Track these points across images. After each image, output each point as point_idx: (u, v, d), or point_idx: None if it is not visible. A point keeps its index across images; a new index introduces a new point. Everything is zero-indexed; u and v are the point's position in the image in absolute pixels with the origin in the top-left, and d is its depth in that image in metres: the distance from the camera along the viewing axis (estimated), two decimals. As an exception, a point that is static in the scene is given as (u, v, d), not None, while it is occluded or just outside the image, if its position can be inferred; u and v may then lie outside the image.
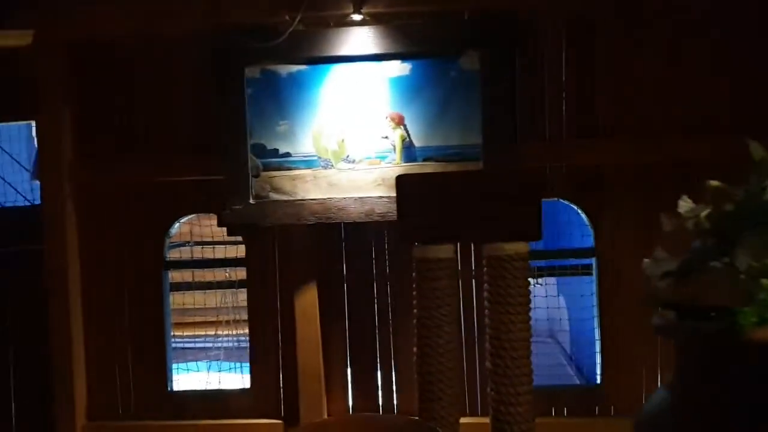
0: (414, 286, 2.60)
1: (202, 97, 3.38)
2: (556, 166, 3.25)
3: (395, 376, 3.40)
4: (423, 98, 3.22)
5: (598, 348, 3.33)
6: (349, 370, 3.43)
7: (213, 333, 6.07)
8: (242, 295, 8.31)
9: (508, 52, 3.17)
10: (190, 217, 3.58)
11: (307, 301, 3.32)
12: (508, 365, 2.43)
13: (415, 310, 2.60)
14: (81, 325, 3.46)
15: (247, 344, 3.55)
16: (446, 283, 2.53)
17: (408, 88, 3.23)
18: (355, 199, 3.24)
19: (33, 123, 3.57)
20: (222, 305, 6.58)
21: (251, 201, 3.27)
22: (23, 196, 5.68)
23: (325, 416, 3.31)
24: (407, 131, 3.23)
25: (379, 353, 3.41)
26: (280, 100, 3.28)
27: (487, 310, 2.53)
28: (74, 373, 3.40)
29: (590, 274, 3.54)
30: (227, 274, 7.18)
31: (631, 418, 1.31)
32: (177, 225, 3.57)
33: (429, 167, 3.20)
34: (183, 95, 3.45)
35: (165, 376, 3.51)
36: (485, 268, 2.54)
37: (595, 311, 3.33)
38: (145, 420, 3.47)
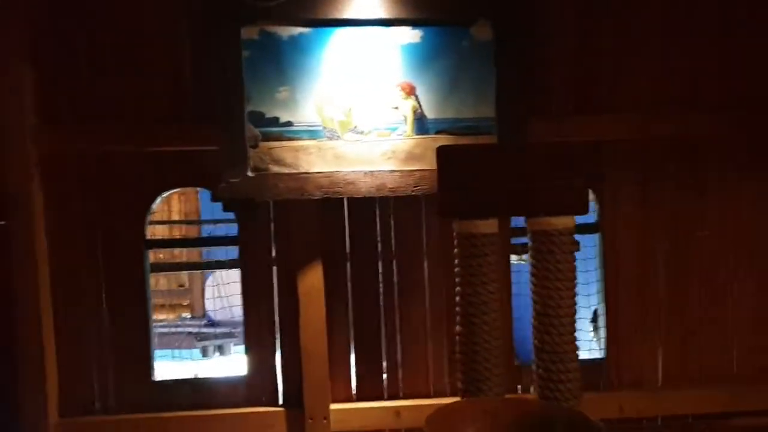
0: (456, 262, 2.47)
1: (193, 60, 3.07)
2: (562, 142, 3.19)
3: (401, 358, 3.27)
4: (435, 68, 3.05)
5: (602, 324, 3.34)
6: (352, 353, 3.27)
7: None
8: (182, 278, 8.07)
9: (521, 23, 3.06)
10: (174, 191, 3.25)
11: (312, 281, 3.11)
12: (556, 342, 2.37)
13: (457, 288, 2.48)
14: (51, 311, 3.09)
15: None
16: (492, 259, 2.42)
17: (419, 57, 3.05)
18: (365, 172, 3.05)
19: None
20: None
21: (249, 174, 3.01)
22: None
23: (330, 401, 3.14)
24: (419, 102, 3.07)
25: (385, 335, 3.27)
26: (281, 64, 3.02)
27: (533, 286, 2.45)
28: (45, 364, 3.04)
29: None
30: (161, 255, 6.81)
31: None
32: (158, 200, 3.24)
33: (442, 140, 3.05)
34: (166, 56, 3.11)
35: (148, 365, 3.21)
36: (530, 243, 2.45)
37: (600, 287, 3.33)
38: (127, 414, 3.16)
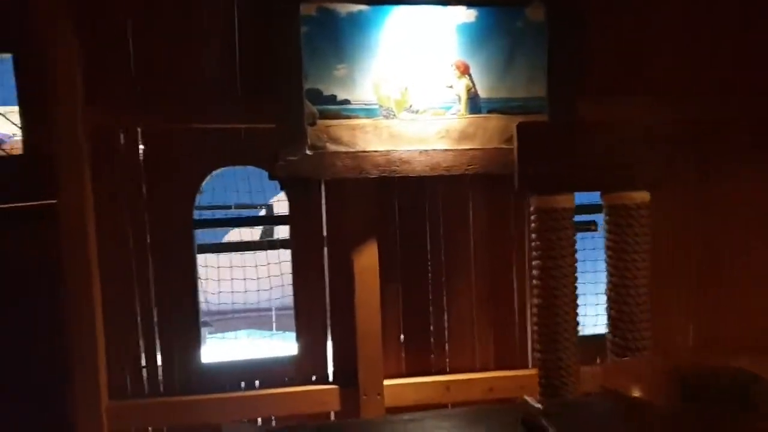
0: (533, 237, 2.54)
1: (249, 35, 3.04)
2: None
3: (447, 335, 3.33)
4: (489, 48, 3.11)
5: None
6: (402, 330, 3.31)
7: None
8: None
9: (573, 6, 3.14)
10: (224, 169, 3.21)
11: (368, 259, 3.13)
12: (633, 312, 2.46)
13: (535, 262, 2.55)
14: (99, 292, 3.01)
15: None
16: (570, 233, 2.50)
17: (474, 37, 3.10)
18: (420, 151, 3.08)
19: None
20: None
21: (308, 152, 3.00)
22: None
23: (383, 378, 3.17)
24: (473, 81, 3.12)
25: (432, 312, 3.32)
26: (339, 41, 3.02)
27: (609, 259, 2.54)
28: (96, 345, 2.97)
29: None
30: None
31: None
32: (208, 178, 3.19)
33: (494, 119, 3.12)
34: (221, 31, 3.07)
35: (196, 347, 3.17)
36: (607, 217, 2.54)
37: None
38: (177, 396, 3.12)
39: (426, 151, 3.08)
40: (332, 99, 3.03)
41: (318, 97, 3.02)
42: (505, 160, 3.09)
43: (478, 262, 3.33)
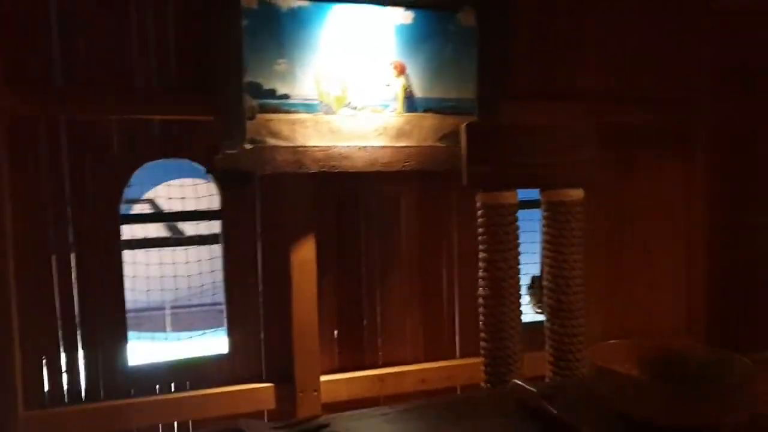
0: (480, 231, 2.66)
1: (182, 23, 2.93)
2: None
3: (380, 329, 3.39)
4: (425, 49, 3.21)
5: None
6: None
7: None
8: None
9: (501, 12, 3.32)
10: (156, 161, 3.06)
11: (305, 254, 3.12)
12: (571, 300, 2.65)
13: (481, 255, 2.67)
14: (15, 293, 2.77)
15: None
16: (514, 227, 2.64)
17: (411, 38, 3.19)
18: (359, 147, 3.12)
19: None
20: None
21: (247, 146, 2.95)
22: None
23: (320, 374, 3.17)
24: (409, 81, 3.20)
25: (366, 308, 3.36)
26: (280, 36, 2.99)
27: (547, 252, 2.71)
28: (11, 353, 2.73)
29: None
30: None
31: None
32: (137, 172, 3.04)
33: (429, 118, 3.23)
34: (154, 17, 2.93)
35: (122, 348, 3.01)
36: (545, 213, 2.72)
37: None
38: (101, 402, 2.94)
39: (365, 147, 3.13)
40: (272, 93, 3.00)
41: (258, 91, 2.97)
42: (439, 158, 3.22)
43: (410, 256, 3.42)
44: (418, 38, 3.19)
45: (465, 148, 2.64)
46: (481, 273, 2.66)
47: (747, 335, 3.77)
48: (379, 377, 3.31)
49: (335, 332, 3.32)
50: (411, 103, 3.21)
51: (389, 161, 3.17)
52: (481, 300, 2.67)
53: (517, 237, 2.66)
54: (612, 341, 1.53)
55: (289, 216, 3.13)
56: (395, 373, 3.34)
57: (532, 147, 2.66)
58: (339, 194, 3.29)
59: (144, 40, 2.92)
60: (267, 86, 2.99)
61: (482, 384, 2.69)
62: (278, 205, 3.15)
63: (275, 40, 2.98)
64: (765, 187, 3.81)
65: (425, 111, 3.23)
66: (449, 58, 3.25)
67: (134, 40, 2.91)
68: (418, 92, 3.21)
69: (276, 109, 3.00)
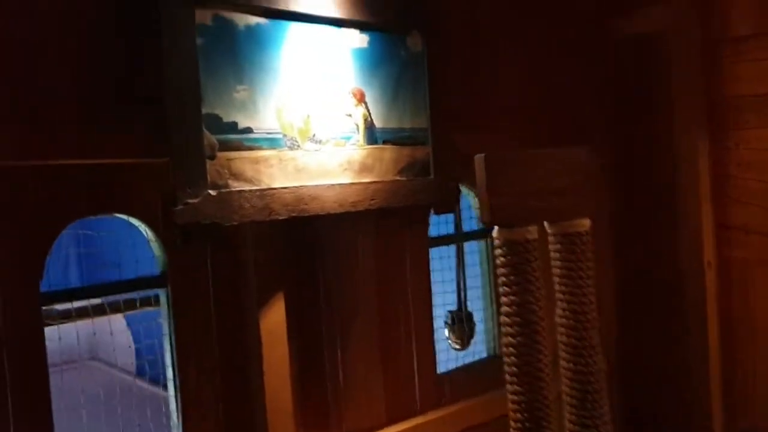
0: (503, 272, 2.46)
1: (121, 43, 2.30)
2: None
3: (343, 394, 2.98)
4: (380, 76, 2.93)
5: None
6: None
7: None
8: None
9: (445, 38, 3.17)
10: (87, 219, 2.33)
11: (274, 318, 2.62)
12: (591, 336, 2.57)
13: (507, 298, 2.47)
14: None
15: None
16: (539, 265, 2.50)
17: (367, 63, 2.89)
18: (328, 186, 2.73)
19: None
20: None
21: (210, 191, 2.39)
22: None
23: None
24: (368, 110, 2.89)
25: (328, 370, 2.93)
26: (237, 58, 2.50)
27: (560, 286, 2.60)
28: None
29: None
30: None
31: None
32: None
33: (388, 150, 2.95)
34: (77, 32, 2.25)
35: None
36: (556, 246, 2.61)
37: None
38: None
39: (333, 185, 2.74)
40: (233, 127, 2.49)
41: (217, 125, 2.44)
42: (400, 193, 2.97)
43: (368, 305, 3.08)
44: (374, 63, 2.91)
45: (484, 181, 2.42)
46: (507, 318, 2.46)
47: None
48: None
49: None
50: (372, 134, 2.91)
51: (357, 200, 2.82)
52: (509, 348, 2.47)
53: (540, 276, 2.51)
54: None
55: (252, 273, 2.61)
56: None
57: (546, 175, 2.54)
58: (295, 241, 2.84)
59: (70, 57, 2.23)
60: (227, 118, 2.47)
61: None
62: (235, 262, 2.61)
63: (233, 62, 2.48)
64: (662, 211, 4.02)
65: (385, 142, 2.95)
66: (402, 86, 3.01)
67: (56, 56, 2.20)
68: (377, 122, 2.92)
69: (238, 146, 2.49)
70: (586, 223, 2.60)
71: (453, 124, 3.16)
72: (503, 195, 2.44)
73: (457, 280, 3.67)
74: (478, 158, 2.46)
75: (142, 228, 2.45)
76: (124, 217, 2.39)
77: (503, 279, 2.47)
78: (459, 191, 3.23)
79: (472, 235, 3.64)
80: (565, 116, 3.84)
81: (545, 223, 2.62)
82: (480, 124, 3.42)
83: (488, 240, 3.62)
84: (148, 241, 2.50)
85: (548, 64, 3.78)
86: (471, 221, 3.67)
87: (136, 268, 2.53)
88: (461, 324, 3.74)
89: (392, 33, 2.98)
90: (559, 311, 2.61)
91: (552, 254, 2.62)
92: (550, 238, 2.62)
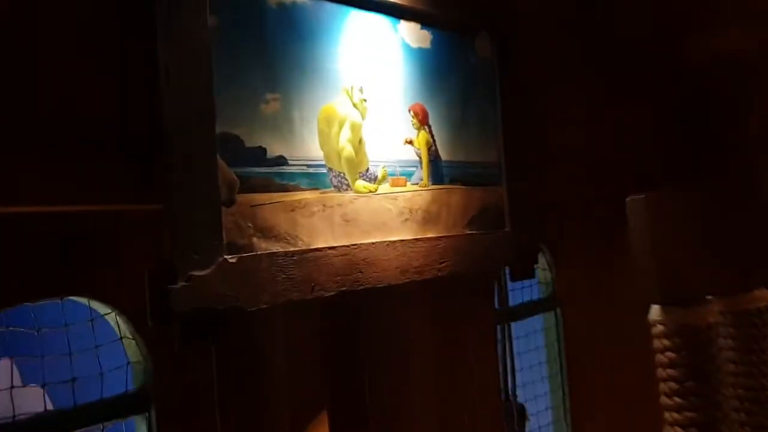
0: (672, 374, 1.65)
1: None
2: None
3: None
4: (446, 87, 2.12)
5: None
6: None
7: None
8: None
9: (514, 40, 2.38)
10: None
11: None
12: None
13: (677, 414, 1.65)
14: None
15: None
16: (718, 351, 1.71)
17: (430, 68, 2.07)
18: (387, 244, 1.86)
19: None
20: None
21: (227, 257, 1.49)
22: None
23: None
24: (432, 135, 2.06)
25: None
26: (267, 52, 1.63)
27: (737, 366, 1.82)
28: None
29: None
30: None
31: None
32: None
33: (456, 192, 2.11)
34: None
35: None
36: (728, 328, 1.82)
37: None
38: None
39: (393, 242, 1.88)
40: (260, 155, 1.60)
41: (237, 151, 1.55)
42: (474, 252, 2.12)
43: (424, 409, 2.19)
44: (438, 69, 2.09)
45: (647, 236, 1.63)
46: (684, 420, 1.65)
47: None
48: None
49: None
50: (436, 168, 2.07)
51: (422, 264, 1.96)
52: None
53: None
54: None
55: (284, 380, 1.70)
56: None
57: (721, 228, 1.77)
58: (332, 326, 1.94)
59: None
60: (251, 142, 1.59)
61: None
62: (258, 365, 1.70)
63: (261, 58, 1.61)
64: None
65: (452, 181, 2.11)
66: (472, 103, 2.20)
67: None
68: (442, 152, 2.09)
69: (267, 185, 1.61)
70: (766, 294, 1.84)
71: (529, 158, 2.36)
72: (677, 259, 1.65)
73: (503, 365, 2.78)
74: (635, 201, 1.66)
75: (112, 319, 1.51)
76: (82, 301, 1.45)
77: (674, 385, 1.66)
78: (538, 249, 2.42)
79: (541, 306, 2.80)
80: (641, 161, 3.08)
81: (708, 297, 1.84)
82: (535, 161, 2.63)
83: (556, 313, 2.81)
84: (121, 340, 1.56)
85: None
86: (520, 292, 2.80)
87: (100, 386, 1.55)
88: (510, 420, 2.86)
89: (459, 32, 2.17)
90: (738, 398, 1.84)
91: (721, 341, 1.84)
92: (724, 317, 1.85)
